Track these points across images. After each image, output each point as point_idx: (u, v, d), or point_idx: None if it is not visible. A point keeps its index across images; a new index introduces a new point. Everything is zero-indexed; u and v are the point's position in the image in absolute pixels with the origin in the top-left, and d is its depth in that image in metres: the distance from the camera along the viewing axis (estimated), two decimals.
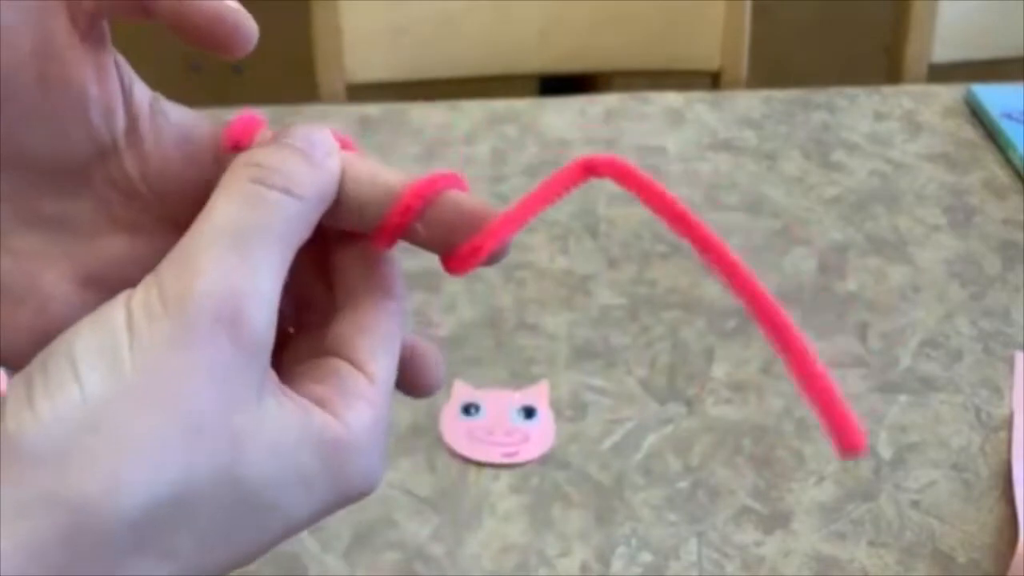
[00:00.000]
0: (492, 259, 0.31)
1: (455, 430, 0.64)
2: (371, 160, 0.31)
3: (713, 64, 1.12)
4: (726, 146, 0.90)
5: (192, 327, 0.26)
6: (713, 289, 0.74)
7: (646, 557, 0.57)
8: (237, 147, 0.30)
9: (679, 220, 0.29)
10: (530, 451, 0.62)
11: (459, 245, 0.30)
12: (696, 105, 0.96)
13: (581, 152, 0.90)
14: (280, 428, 0.27)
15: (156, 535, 0.25)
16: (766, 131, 0.92)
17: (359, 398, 0.29)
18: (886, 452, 0.63)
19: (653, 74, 1.14)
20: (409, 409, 0.64)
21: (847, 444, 0.27)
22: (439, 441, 0.63)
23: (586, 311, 0.73)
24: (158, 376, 0.26)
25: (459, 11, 1.10)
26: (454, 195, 0.31)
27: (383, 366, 0.31)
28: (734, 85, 1.12)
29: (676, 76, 1.11)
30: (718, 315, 0.72)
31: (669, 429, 0.64)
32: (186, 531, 0.26)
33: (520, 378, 0.67)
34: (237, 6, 0.29)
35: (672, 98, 0.97)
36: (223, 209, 0.28)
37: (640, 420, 0.65)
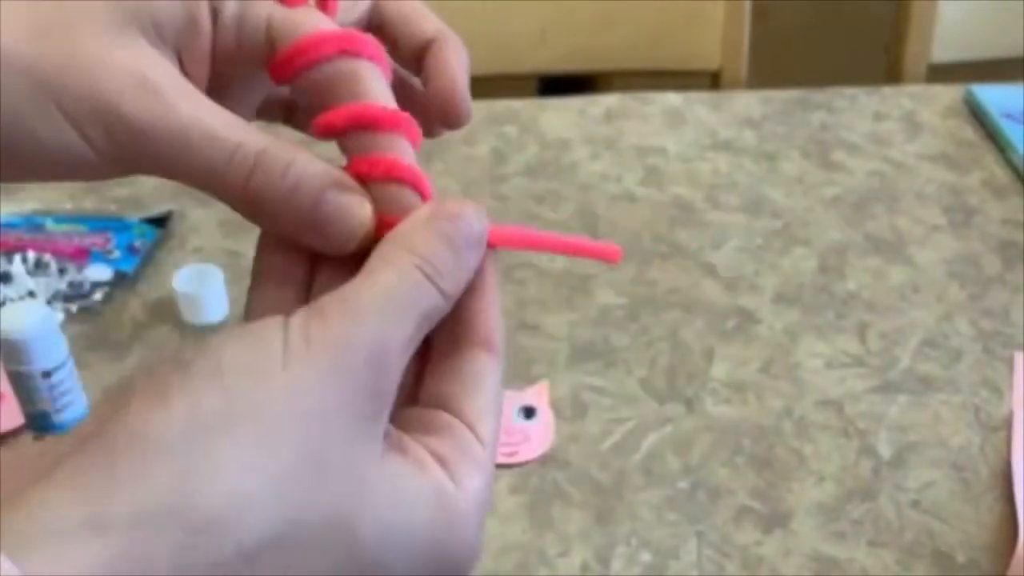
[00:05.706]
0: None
1: None
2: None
3: (713, 64, 1.12)
4: (726, 146, 0.90)
5: (346, 366, 0.26)
6: (713, 289, 0.74)
7: (646, 557, 0.57)
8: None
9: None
10: (530, 451, 0.63)
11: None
12: (696, 105, 0.96)
13: (581, 152, 0.90)
14: (399, 485, 0.27)
15: (263, 568, 0.24)
16: (766, 131, 0.93)
17: (473, 462, 0.28)
18: (886, 452, 0.63)
19: (653, 74, 1.14)
20: None
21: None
22: None
23: (586, 311, 0.73)
24: (303, 404, 0.25)
25: (459, 11, 1.10)
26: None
27: (491, 428, 0.29)
28: (734, 85, 1.12)
29: (676, 76, 1.11)
30: (718, 315, 0.72)
31: (669, 429, 0.64)
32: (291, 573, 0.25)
33: (520, 378, 0.67)
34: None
35: (672, 98, 0.97)
36: (392, 279, 0.28)
37: (640, 420, 0.65)
